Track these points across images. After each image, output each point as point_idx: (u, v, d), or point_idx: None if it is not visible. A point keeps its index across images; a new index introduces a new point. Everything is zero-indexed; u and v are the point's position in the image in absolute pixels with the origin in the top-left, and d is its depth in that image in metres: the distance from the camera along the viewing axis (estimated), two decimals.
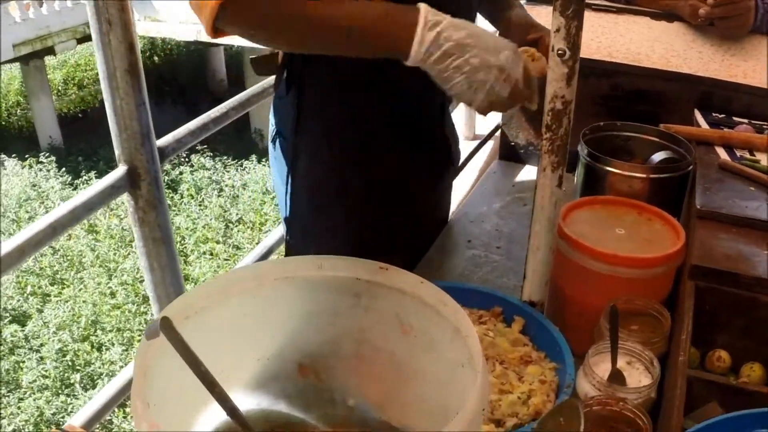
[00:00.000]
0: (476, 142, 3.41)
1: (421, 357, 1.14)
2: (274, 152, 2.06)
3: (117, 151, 1.92)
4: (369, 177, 1.94)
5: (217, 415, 1.04)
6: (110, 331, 8.30)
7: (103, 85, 1.85)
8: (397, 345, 1.16)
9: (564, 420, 1.09)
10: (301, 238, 2.05)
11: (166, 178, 12.09)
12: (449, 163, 2.22)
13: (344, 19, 1.53)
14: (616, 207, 1.82)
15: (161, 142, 2.03)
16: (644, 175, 1.93)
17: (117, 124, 1.88)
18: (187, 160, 12.39)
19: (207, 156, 12.43)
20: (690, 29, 2.63)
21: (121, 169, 1.92)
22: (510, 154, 2.75)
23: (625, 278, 1.61)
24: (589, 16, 2.64)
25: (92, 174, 12.37)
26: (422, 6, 1.51)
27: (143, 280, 8.39)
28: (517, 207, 2.43)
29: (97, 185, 1.91)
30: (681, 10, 2.63)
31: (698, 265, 1.58)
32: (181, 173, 12.23)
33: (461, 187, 2.71)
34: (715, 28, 2.59)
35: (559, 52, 1.36)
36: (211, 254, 10.45)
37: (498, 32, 2.04)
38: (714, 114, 2.39)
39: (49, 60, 16.09)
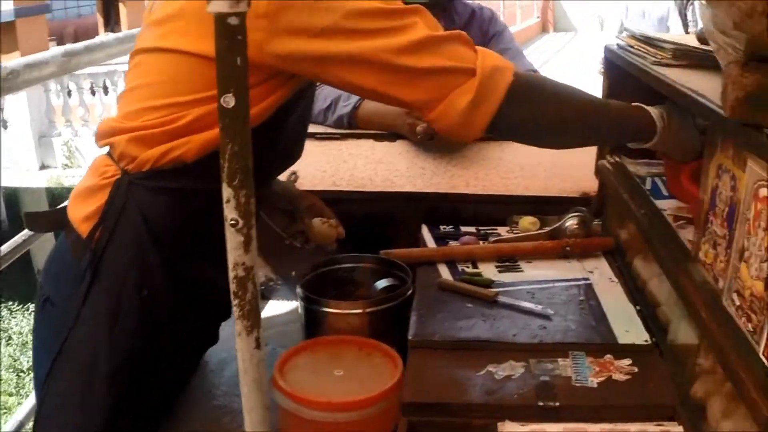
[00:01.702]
0: None
1: None
2: (39, 317, 2.00)
3: None
4: (144, 365, 1.89)
5: None
6: None
7: None
8: None
9: None
10: (57, 412, 1.97)
11: None
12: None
13: (599, 103, 1.95)
14: (336, 346, 1.85)
15: None
16: (360, 311, 1.97)
17: None
18: None
19: None
20: (412, 146, 2.72)
21: None
22: None
23: (344, 422, 1.63)
24: (314, 145, 2.69)
25: None
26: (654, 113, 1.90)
27: None
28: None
29: None
30: (401, 129, 2.71)
31: (408, 401, 1.62)
32: None
33: None
34: (436, 142, 2.67)
35: (232, 222, 1.37)
36: (5, 408, 10.02)
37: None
38: (442, 227, 2.46)
39: None
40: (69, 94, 14.47)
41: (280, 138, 1.84)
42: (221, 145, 1.36)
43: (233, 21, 1.25)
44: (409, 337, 1.82)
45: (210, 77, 1.72)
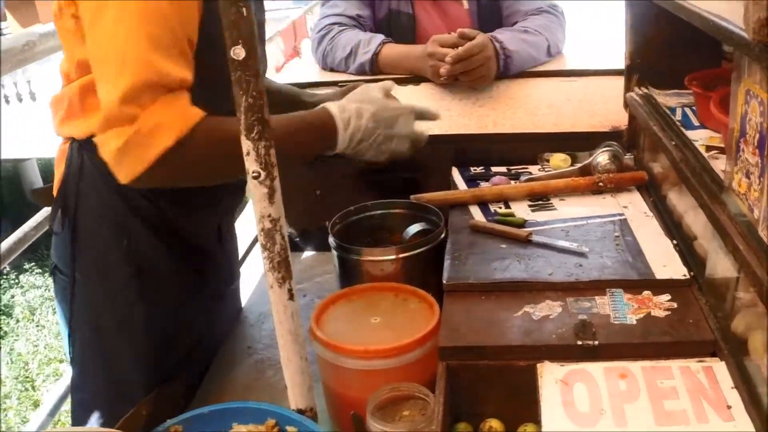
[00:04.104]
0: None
1: None
2: (54, 287, 2.01)
3: None
4: (148, 310, 1.91)
5: None
6: None
7: None
8: None
9: None
10: (85, 375, 2.00)
11: None
12: (230, 281, 2.26)
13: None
14: (372, 293, 1.84)
15: None
16: (394, 257, 1.96)
17: None
18: (16, 281, 11.99)
19: (36, 273, 12.04)
20: (437, 88, 2.69)
21: None
22: None
23: (383, 369, 1.63)
24: None
25: None
26: (333, 110, 1.86)
27: None
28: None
29: None
30: (424, 72, 2.69)
31: (445, 346, 1.60)
32: (12, 296, 11.80)
33: (246, 286, 2.66)
34: (461, 83, 2.65)
35: (254, 174, 1.36)
36: (56, 374, 10.12)
37: None
38: (472, 168, 2.44)
39: None
40: None
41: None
42: (235, 98, 1.35)
43: None
44: (444, 281, 1.80)
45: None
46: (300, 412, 1.65)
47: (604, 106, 2.64)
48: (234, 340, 2.25)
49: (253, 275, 2.59)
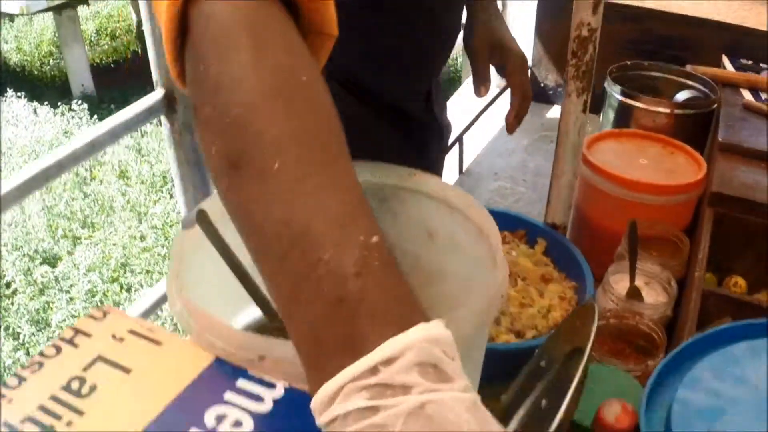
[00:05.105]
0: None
1: (445, 258, 1.18)
2: None
3: (155, 76, 1.95)
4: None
5: (251, 313, 1.06)
6: (139, 273, 8.31)
7: (142, 6, 1.89)
8: (422, 249, 1.20)
9: (580, 323, 1.12)
10: None
11: None
12: (441, 150, 1.98)
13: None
14: (641, 140, 1.87)
15: None
16: (669, 111, 1.98)
17: (155, 48, 1.89)
18: None
19: None
20: None
21: (158, 92, 1.96)
22: (539, 95, 2.78)
23: (647, 204, 1.66)
24: None
25: None
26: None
27: (173, 225, 8.40)
28: (544, 144, 2.47)
29: (135, 107, 1.93)
30: None
31: (717, 192, 1.63)
32: None
33: (491, 126, 2.72)
34: None
35: None
36: None
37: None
38: (742, 60, 2.42)
39: (81, 10, 15.99)
40: None
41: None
42: None
43: None
44: (719, 139, 1.81)
45: None
46: (553, 226, 1.70)
47: None
48: (479, 166, 2.31)
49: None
